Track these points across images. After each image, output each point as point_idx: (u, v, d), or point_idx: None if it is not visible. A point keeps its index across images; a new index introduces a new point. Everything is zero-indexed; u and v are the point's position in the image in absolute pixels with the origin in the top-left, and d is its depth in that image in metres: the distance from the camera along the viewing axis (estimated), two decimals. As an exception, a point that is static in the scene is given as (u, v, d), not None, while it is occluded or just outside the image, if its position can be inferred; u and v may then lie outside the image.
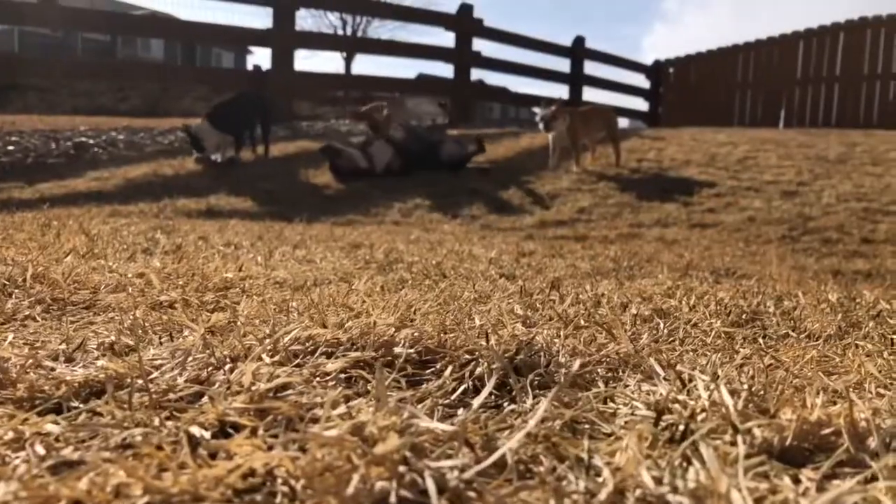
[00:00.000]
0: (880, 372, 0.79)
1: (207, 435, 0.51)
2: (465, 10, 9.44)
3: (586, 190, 5.01)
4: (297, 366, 0.68)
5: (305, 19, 22.83)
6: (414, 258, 1.84)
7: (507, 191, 5.06)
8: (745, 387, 0.62)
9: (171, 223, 2.78)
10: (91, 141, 6.30)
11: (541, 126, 5.52)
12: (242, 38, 8.44)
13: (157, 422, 0.53)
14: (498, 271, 1.67)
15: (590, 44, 11.30)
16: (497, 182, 5.31)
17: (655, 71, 13.16)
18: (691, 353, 0.86)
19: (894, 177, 5.12)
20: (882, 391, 0.72)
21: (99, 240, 1.80)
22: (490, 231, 3.92)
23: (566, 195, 4.89)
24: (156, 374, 0.65)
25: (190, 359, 0.69)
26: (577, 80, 11.19)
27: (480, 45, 9.74)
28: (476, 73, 10.03)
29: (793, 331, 1.06)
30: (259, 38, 7.58)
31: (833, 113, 11.17)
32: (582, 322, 0.96)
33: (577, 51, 11.33)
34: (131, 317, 0.91)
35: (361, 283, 1.23)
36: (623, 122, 12.06)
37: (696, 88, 13.11)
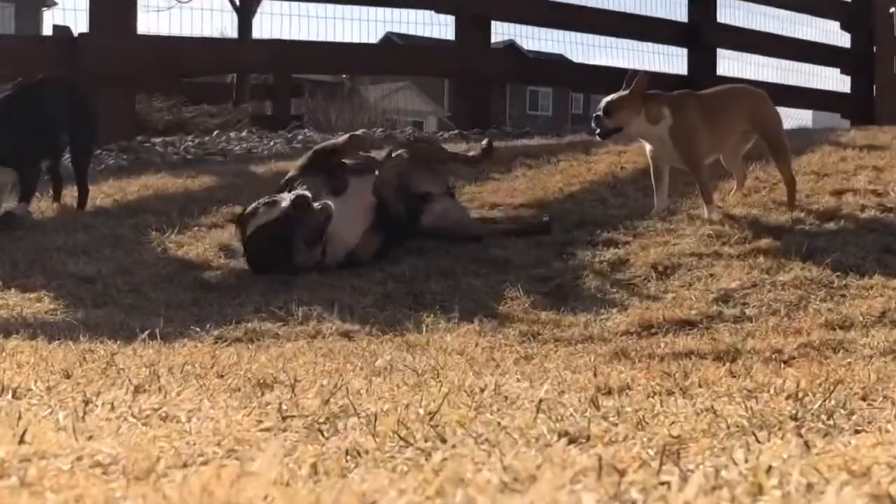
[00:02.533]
0: None
1: None
2: None
3: (732, 255, 4.28)
4: None
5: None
6: (382, 405, 1.75)
7: (569, 260, 4.39)
8: None
9: None
10: None
11: (594, 127, 4.72)
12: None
13: None
14: (554, 427, 1.55)
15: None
16: (548, 243, 4.63)
17: (861, 13, 11.05)
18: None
19: None
20: None
21: None
22: (539, 343, 3.42)
23: (691, 267, 4.19)
24: None
25: None
26: (701, 36, 9.64)
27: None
28: (501, 30, 8.54)
29: None
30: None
31: None
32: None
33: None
34: None
35: (267, 462, 1.15)
36: (801, 118, 10.57)
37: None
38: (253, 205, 4.33)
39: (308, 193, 4.19)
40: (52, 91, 5.22)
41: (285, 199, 4.21)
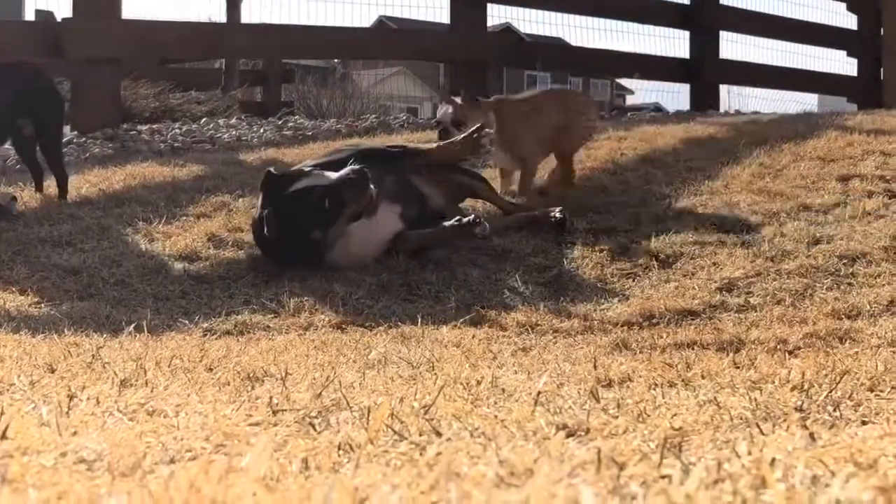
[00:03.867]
0: None
1: None
2: None
3: (735, 244, 4.27)
4: None
5: None
6: (375, 399, 1.74)
7: (568, 249, 4.36)
8: None
9: None
10: None
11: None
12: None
13: None
14: (552, 419, 1.55)
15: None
16: (547, 231, 4.60)
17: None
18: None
19: None
20: None
21: None
22: (537, 335, 3.40)
23: (694, 256, 4.18)
24: None
25: None
26: (702, 18, 9.55)
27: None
28: (497, 13, 8.51)
29: None
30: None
31: None
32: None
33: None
34: None
35: (257, 457, 1.13)
36: (806, 101, 10.48)
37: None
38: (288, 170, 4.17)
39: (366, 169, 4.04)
40: (26, 76, 5.12)
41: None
